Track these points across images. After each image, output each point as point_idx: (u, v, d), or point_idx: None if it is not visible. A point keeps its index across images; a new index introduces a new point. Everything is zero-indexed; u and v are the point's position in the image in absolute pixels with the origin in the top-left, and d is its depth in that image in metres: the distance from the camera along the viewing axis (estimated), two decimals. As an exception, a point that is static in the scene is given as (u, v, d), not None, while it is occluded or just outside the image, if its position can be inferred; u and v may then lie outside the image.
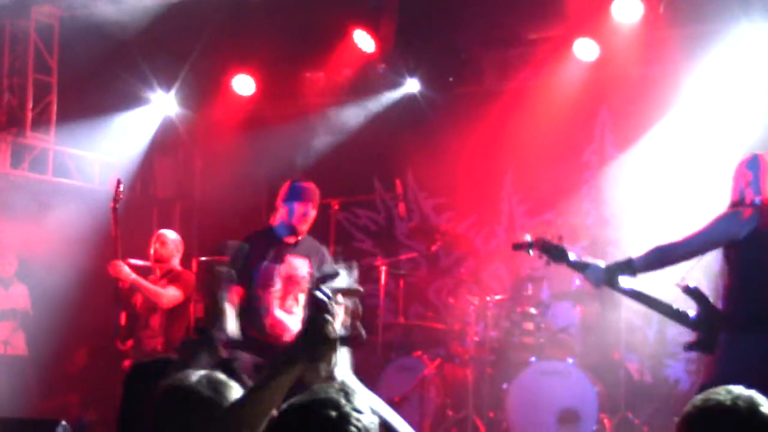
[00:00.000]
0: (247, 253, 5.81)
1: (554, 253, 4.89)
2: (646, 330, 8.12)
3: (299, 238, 5.90)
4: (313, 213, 6.00)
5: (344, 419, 1.77)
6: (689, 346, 4.70)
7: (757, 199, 4.44)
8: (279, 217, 5.93)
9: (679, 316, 4.59)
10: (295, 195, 5.92)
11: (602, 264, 4.70)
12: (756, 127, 7.16)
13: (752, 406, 2.00)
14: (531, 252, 5.07)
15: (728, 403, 2.01)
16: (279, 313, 5.85)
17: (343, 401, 1.81)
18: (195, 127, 9.79)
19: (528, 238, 5.08)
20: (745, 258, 4.34)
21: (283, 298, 5.92)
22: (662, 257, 4.50)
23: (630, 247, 6.74)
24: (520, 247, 5.10)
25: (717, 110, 7.53)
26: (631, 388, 7.15)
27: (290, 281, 5.94)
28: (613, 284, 4.68)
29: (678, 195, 7.79)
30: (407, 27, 8.10)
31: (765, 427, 1.99)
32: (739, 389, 2.05)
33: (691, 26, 7.58)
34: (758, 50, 7.24)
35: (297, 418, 1.82)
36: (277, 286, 5.81)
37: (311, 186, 6.07)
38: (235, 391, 2.22)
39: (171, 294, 6.84)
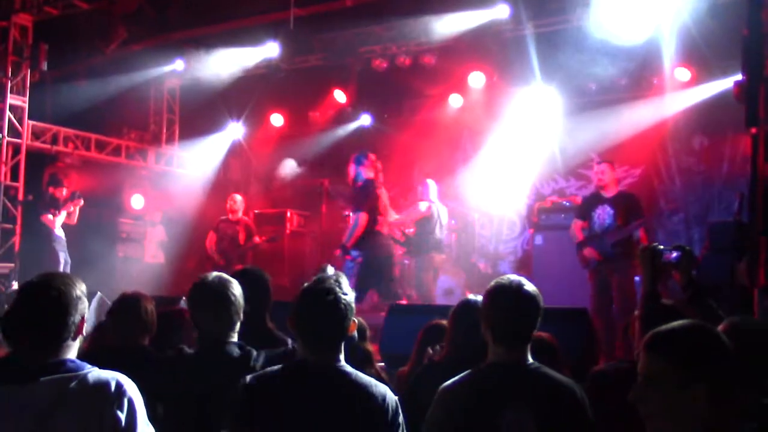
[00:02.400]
0: None
1: None
2: (488, 246, 11.26)
3: None
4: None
5: (337, 299, 2.31)
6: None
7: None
8: None
9: None
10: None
11: None
12: (540, 141, 10.29)
13: (520, 283, 2.53)
14: None
15: (506, 282, 2.55)
16: None
17: (336, 288, 2.35)
18: (251, 142, 12.08)
19: None
20: None
21: None
22: None
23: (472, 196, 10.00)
24: None
25: (520, 130, 10.27)
26: (480, 277, 9.59)
27: None
28: None
29: (495, 173, 10.74)
30: (362, 88, 11.13)
31: (528, 297, 2.50)
32: (515, 276, 2.60)
33: (509, 87, 10.27)
34: (541, 100, 10.06)
35: (309, 297, 2.34)
36: None
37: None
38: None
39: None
